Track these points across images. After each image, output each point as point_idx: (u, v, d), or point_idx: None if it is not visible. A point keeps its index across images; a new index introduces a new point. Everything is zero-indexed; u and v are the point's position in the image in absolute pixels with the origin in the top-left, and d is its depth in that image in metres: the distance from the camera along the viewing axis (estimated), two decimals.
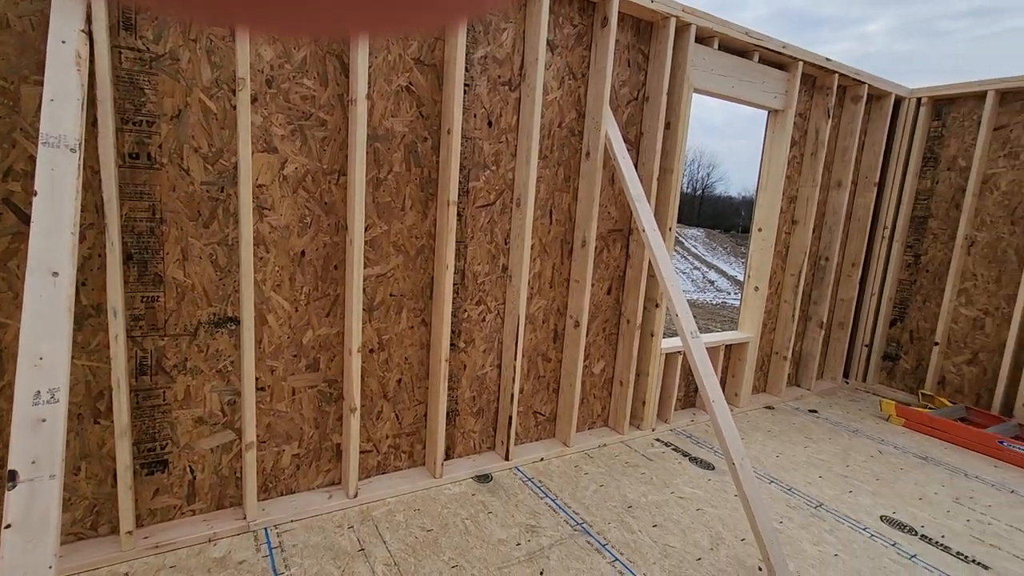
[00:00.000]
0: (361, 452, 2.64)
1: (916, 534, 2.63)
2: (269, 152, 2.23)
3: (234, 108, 2.12)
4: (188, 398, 2.20)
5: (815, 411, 4.21)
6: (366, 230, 2.47)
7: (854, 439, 3.72)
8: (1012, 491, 3.14)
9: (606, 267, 3.30)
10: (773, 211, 3.93)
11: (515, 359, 2.89)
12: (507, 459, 2.98)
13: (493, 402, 3.03)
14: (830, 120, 4.05)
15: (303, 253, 2.36)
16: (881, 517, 2.76)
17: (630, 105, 3.18)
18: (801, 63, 3.73)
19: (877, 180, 4.51)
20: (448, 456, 2.94)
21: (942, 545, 2.55)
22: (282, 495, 2.48)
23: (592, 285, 3.24)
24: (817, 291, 4.51)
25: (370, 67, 2.36)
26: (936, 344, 4.44)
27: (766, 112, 3.86)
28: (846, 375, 4.99)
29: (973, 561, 2.45)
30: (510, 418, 2.95)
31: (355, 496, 2.52)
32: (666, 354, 3.57)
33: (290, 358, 2.40)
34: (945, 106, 4.44)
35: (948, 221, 4.42)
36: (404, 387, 2.72)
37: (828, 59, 3.86)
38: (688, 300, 14.58)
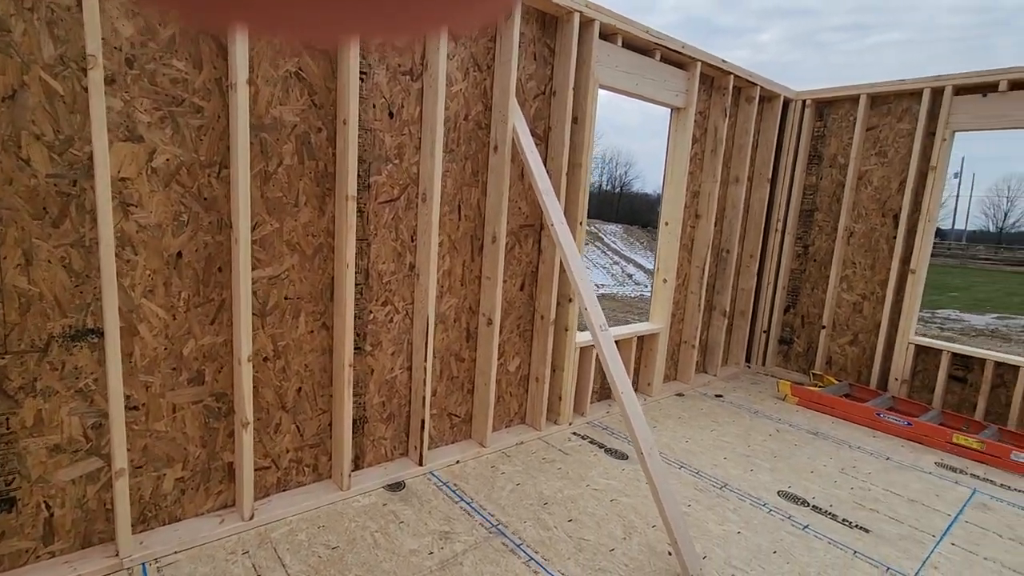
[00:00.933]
0: (257, 469, 2.44)
1: (808, 505, 2.82)
2: (133, 141, 1.98)
3: (85, 90, 1.85)
4: (40, 424, 1.91)
5: (721, 396, 4.44)
6: (254, 228, 2.27)
7: (755, 420, 3.95)
8: (887, 458, 3.45)
9: (518, 263, 3.27)
10: (678, 206, 4.08)
11: (426, 360, 2.79)
12: (421, 464, 2.87)
13: (405, 406, 2.91)
14: (727, 119, 4.27)
15: (180, 254, 2.12)
16: (778, 492, 2.93)
17: (537, 99, 3.16)
18: (700, 63, 3.89)
19: (770, 176, 4.83)
20: (357, 466, 2.79)
21: (830, 513, 2.75)
22: (165, 524, 2.23)
23: (504, 282, 3.20)
24: (720, 282, 4.76)
25: (252, 50, 2.16)
26: (823, 328, 4.82)
27: (669, 110, 4.00)
28: (748, 360, 5.32)
29: (856, 526, 2.65)
30: (423, 422, 2.84)
31: (251, 518, 2.32)
32: (581, 348, 3.60)
33: (168, 372, 2.16)
34: (826, 108, 4.83)
35: (831, 214, 4.81)
36: (305, 396, 2.54)
37: (724, 60, 4.06)
38: (608, 294, 15.05)
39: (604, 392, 4.05)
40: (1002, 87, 3.79)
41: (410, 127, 2.66)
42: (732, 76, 4.17)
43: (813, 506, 2.81)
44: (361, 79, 2.47)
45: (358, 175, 2.52)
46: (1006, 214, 59.57)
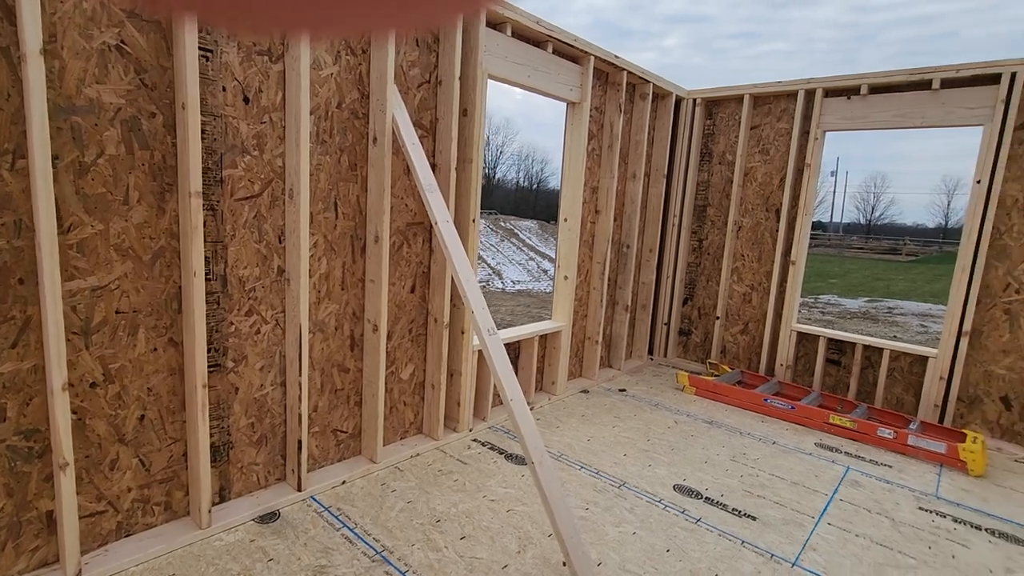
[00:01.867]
0: (88, 516, 2.06)
1: (701, 497, 2.86)
2: None
3: None
4: None
5: (624, 390, 4.48)
6: (69, 230, 1.90)
7: (655, 413, 4.01)
8: (774, 442, 3.62)
9: (407, 264, 3.05)
10: (577, 201, 4.04)
11: (301, 375, 2.51)
12: (300, 489, 2.59)
13: (279, 426, 2.61)
14: (623, 115, 4.29)
15: None
16: (674, 486, 2.95)
17: (422, 88, 2.96)
18: (593, 57, 3.86)
19: (666, 172, 4.94)
20: (223, 498, 2.46)
21: (721, 504, 2.80)
22: None
23: (392, 284, 2.98)
24: (621, 277, 4.81)
25: (55, 14, 1.79)
26: (718, 318, 5.02)
27: (565, 104, 3.94)
28: (651, 352, 5.44)
29: (745, 515, 2.71)
30: (300, 442, 2.56)
31: (78, 575, 1.95)
32: (479, 351, 3.46)
33: None
34: (715, 107, 5.01)
35: (721, 209, 5.01)
36: (151, 424, 2.19)
37: (617, 56, 4.07)
38: (524, 289, 15.12)
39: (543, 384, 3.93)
40: (863, 91, 4.09)
41: (271, 114, 2.37)
42: (625, 72, 4.19)
43: (706, 498, 2.85)
44: (206, 57, 2.15)
45: (207, 168, 2.19)
46: (873, 208, 67.10)
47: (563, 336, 4.12)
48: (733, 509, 2.76)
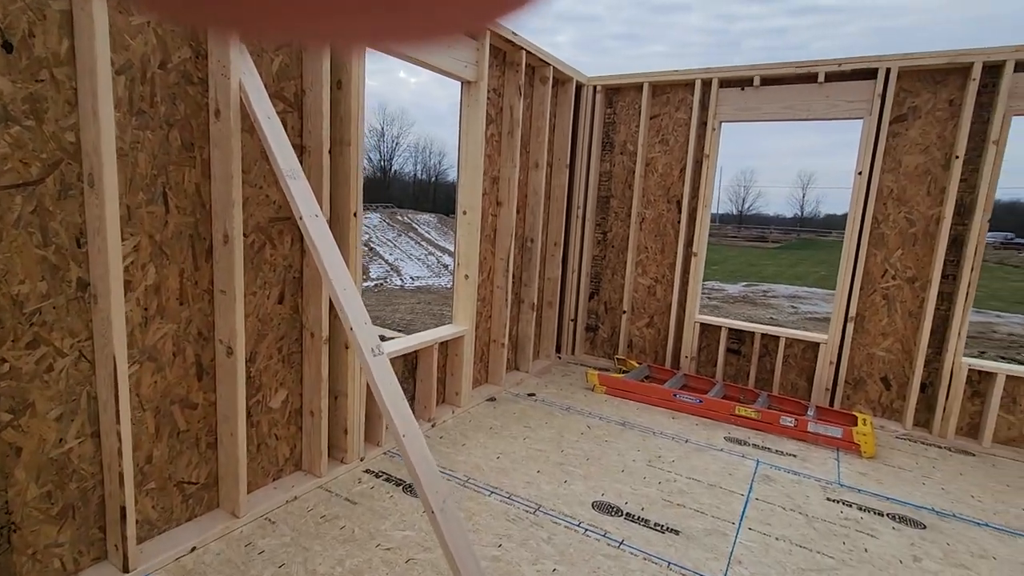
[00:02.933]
0: None
1: (622, 513, 2.63)
2: None
3: None
4: None
5: (534, 394, 4.20)
6: None
7: (567, 418, 3.77)
8: (686, 440, 3.52)
9: (272, 268, 2.49)
10: (477, 192, 3.66)
11: (120, 420, 1.89)
12: (127, 570, 1.98)
13: (93, 490, 1.97)
14: (523, 98, 3.97)
15: None
16: (593, 504, 2.70)
17: (282, 51, 2.40)
18: (489, 32, 3.48)
19: (569, 162, 4.71)
20: None
21: (643, 519, 2.59)
22: None
23: (252, 294, 2.40)
24: (527, 273, 4.52)
25: None
26: (624, 312, 4.91)
27: (460, 84, 3.53)
28: (559, 350, 5.23)
29: (667, 529, 2.52)
30: (123, 508, 1.95)
31: None
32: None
33: None
34: (615, 95, 4.86)
35: (624, 200, 4.90)
36: None
37: (515, 33, 3.73)
38: (424, 286, 14.52)
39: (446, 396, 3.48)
40: (756, 82, 4.11)
41: (53, 70, 1.72)
42: (524, 52, 3.87)
43: (627, 514, 2.63)
44: None
45: None
46: (744, 200, 74.06)
47: (466, 341, 3.74)
48: (655, 524, 2.55)
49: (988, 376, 3.62)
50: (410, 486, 2.75)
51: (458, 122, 3.62)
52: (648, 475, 3.02)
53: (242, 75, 2.09)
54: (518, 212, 4.33)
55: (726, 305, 12.82)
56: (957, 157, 3.52)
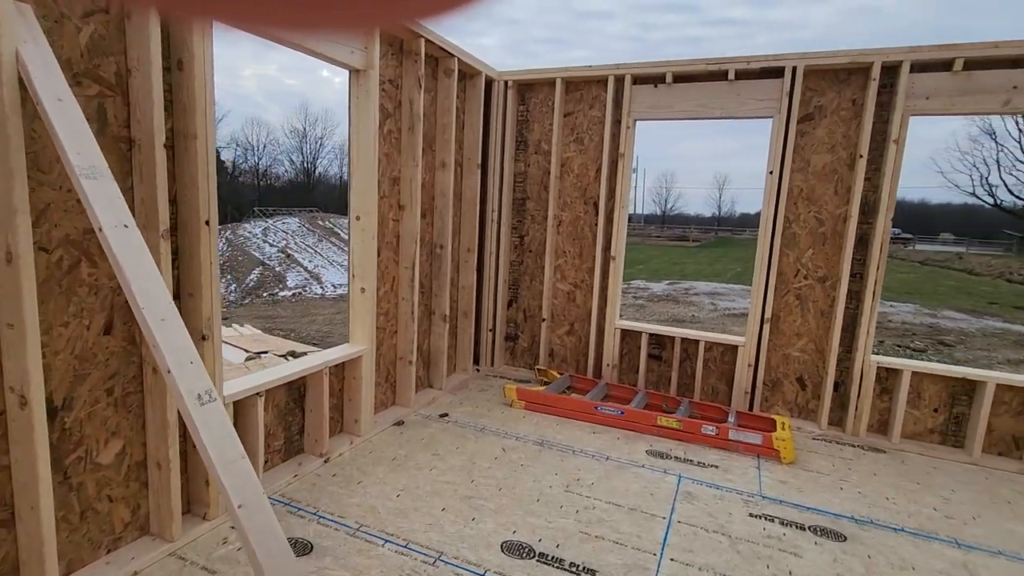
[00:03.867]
0: None
1: (534, 554, 2.33)
2: None
3: None
4: None
5: (446, 415, 3.85)
6: None
7: (481, 440, 3.44)
8: (607, 458, 3.29)
9: (93, 291, 1.99)
10: (372, 194, 3.26)
11: None
12: None
13: None
14: (424, 91, 3.62)
15: None
16: (503, 545, 2.39)
17: (93, 19, 1.92)
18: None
19: (480, 161, 4.40)
20: None
21: (557, 560, 2.31)
22: None
23: (64, 325, 1.90)
24: (437, 282, 4.16)
25: None
26: (544, 320, 4.67)
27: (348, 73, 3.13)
28: (477, 362, 4.91)
29: (584, 570, 2.25)
30: None
31: None
32: (235, 401, 2.51)
33: None
34: (527, 91, 4.61)
35: (540, 202, 4.65)
36: None
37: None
38: (345, 294, 13.75)
39: (293, 446, 3.03)
40: (668, 79, 3.98)
41: None
42: (424, 40, 3.52)
43: (540, 554, 2.34)
44: None
45: None
46: (666, 200, 77.30)
47: (365, 362, 3.33)
48: (571, 565, 2.28)
49: (895, 373, 3.66)
50: (291, 539, 2.32)
51: (348, 116, 3.21)
52: (566, 503, 2.76)
53: (21, 43, 1.60)
54: (424, 216, 3.97)
55: (651, 304, 13.04)
56: (861, 156, 3.53)
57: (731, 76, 3.80)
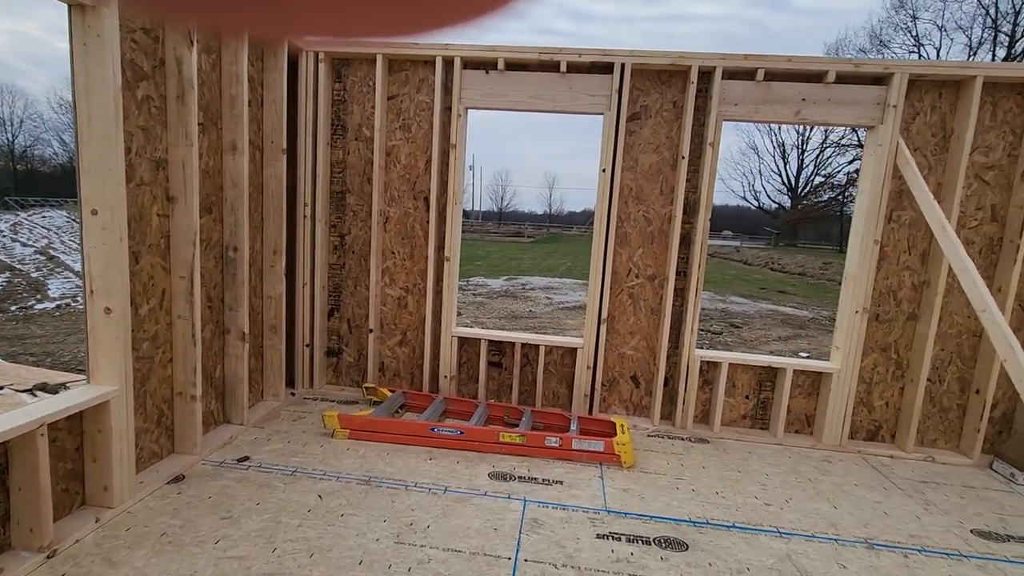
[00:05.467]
0: None
1: None
2: None
3: None
4: None
5: (247, 458, 3.09)
6: None
7: (291, 489, 2.79)
8: (445, 490, 2.89)
9: None
10: (115, 181, 2.39)
11: None
12: None
13: None
14: (198, 51, 2.81)
15: None
16: None
17: None
18: None
19: (286, 146, 3.66)
20: None
21: None
22: None
23: None
24: (230, 293, 3.34)
25: None
26: (371, 331, 4.10)
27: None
28: (292, 384, 4.16)
29: None
30: None
31: None
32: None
33: None
34: (344, 67, 3.98)
35: (364, 196, 4.06)
36: None
37: None
38: None
39: (87, 495, 2.08)
40: (500, 65, 3.69)
41: None
42: None
43: None
44: None
45: None
46: (502, 198, 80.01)
47: (116, 407, 2.45)
48: None
49: (715, 365, 3.86)
50: None
51: (70, 72, 2.29)
52: (396, 560, 2.28)
53: None
54: (209, 211, 3.14)
55: (490, 301, 13.04)
56: (683, 157, 3.62)
57: (563, 68, 3.64)
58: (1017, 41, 26.03)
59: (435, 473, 3.06)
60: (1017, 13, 25.74)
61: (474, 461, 3.23)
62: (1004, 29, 26.29)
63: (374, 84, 3.88)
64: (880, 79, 3.47)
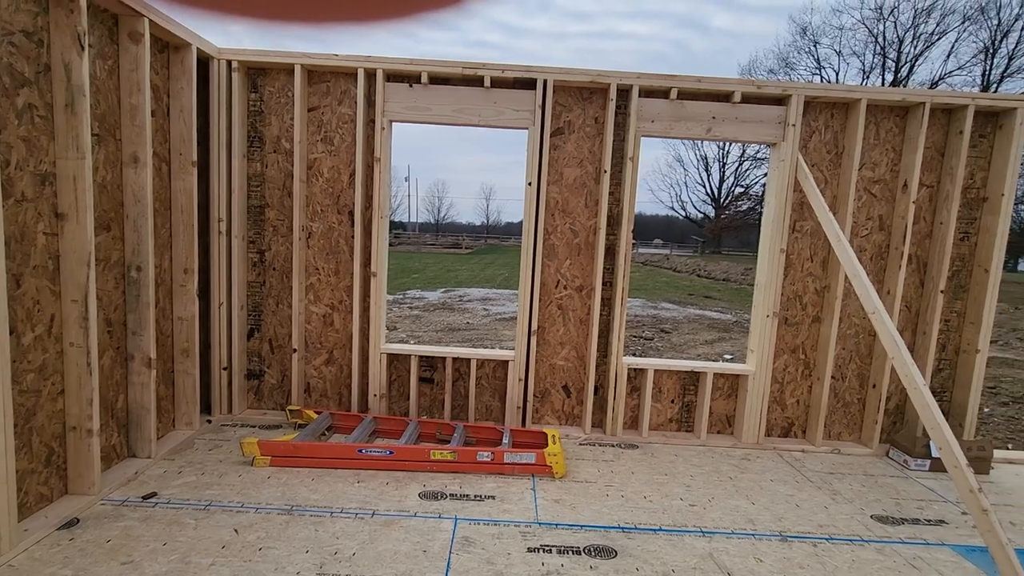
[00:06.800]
0: None
1: None
2: None
3: None
4: None
5: (154, 494, 2.86)
6: None
7: (204, 525, 2.60)
8: (373, 513, 2.79)
9: None
10: None
11: None
12: None
13: None
14: (91, 56, 2.61)
15: None
16: None
17: None
18: None
19: (196, 159, 3.46)
20: None
21: None
22: None
23: None
24: (133, 316, 3.10)
25: None
26: (295, 350, 3.92)
27: None
28: (209, 411, 3.90)
29: None
30: None
31: None
32: None
33: None
34: (260, 77, 3.82)
35: (284, 211, 3.90)
36: None
37: None
38: None
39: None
40: (424, 79, 3.68)
41: None
42: None
43: None
44: None
45: None
46: (439, 209, 79.57)
47: None
48: None
49: (641, 372, 3.98)
50: None
51: None
52: None
53: None
54: (108, 228, 2.90)
55: (427, 314, 12.88)
56: (605, 171, 3.73)
57: (487, 83, 3.67)
58: (901, 67, 29.03)
59: (363, 497, 2.95)
60: (900, 41, 28.73)
61: (404, 481, 3.15)
62: (891, 56, 29.26)
63: (293, 95, 3.75)
64: (780, 100, 3.74)
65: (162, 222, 3.34)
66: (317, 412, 3.84)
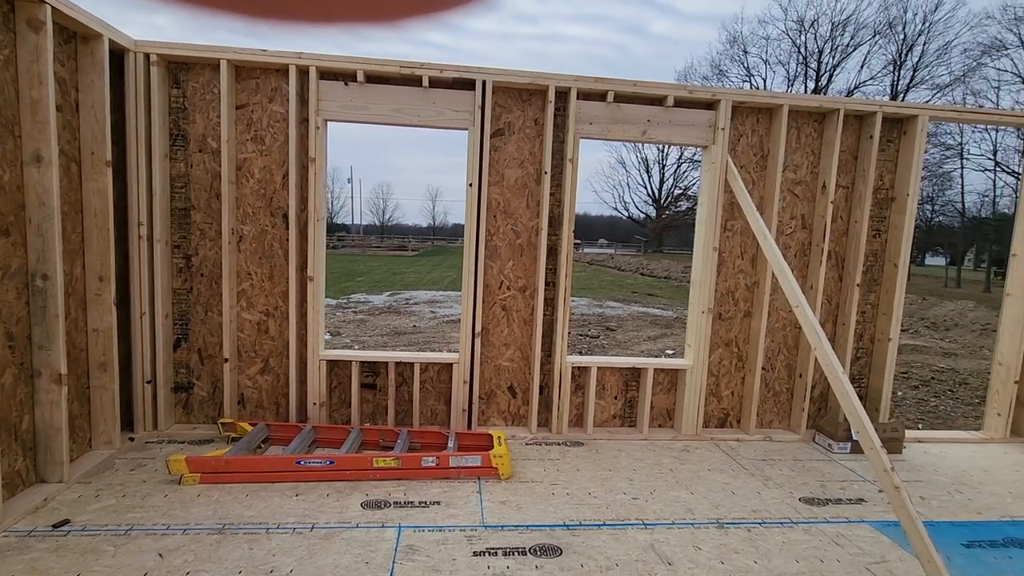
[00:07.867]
0: None
1: None
2: None
3: None
4: None
5: (66, 521, 2.63)
6: None
7: (123, 552, 2.42)
8: (312, 527, 2.69)
9: None
10: None
11: None
12: None
13: None
14: None
15: None
16: None
17: None
18: None
19: (111, 158, 3.22)
20: None
21: None
22: None
23: None
24: (40, 328, 2.85)
25: None
26: (227, 360, 3.73)
27: None
28: (131, 428, 3.64)
29: None
30: None
31: None
32: None
33: None
34: (183, 72, 3.61)
35: (212, 213, 3.70)
36: None
37: None
38: None
39: None
40: (360, 77, 3.58)
41: None
42: None
43: None
44: None
45: None
46: (384, 211, 78.08)
47: None
48: None
49: (585, 370, 4.04)
50: None
51: None
52: None
53: None
54: (7, 234, 2.65)
55: (372, 318, 12.59)
56: (546, 173, 3.77)
57: (425, 83, 3.62)
58: (822, 76, 31.04)
59: (301, 510, 2.84)
60: (820, 52, 30.71)
61: (346, 492, 3.05)
62: (812, 65, 31.23)
63: (219, 91, 3.57)
64: (711, 104, 3.90)
65: (72, 226, 3.09)
66: (252, 424, 3.66)
